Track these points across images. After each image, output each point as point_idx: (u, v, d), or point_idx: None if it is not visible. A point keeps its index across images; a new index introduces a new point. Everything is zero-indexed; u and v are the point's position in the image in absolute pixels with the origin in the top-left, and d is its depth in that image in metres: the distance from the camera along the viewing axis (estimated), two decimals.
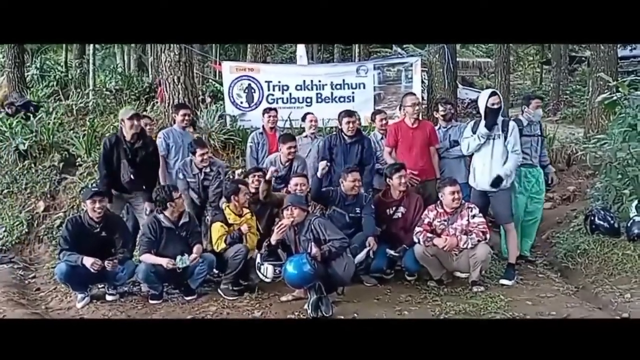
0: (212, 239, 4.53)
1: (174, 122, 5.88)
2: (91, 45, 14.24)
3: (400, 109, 5.38)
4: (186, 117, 5.71)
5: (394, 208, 4.80)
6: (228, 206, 4.65)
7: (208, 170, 5.04)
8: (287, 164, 5.30)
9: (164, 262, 4.22)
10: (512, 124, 4.68)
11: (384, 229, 4.77)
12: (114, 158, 4.73)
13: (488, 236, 4.40)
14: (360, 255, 4.39)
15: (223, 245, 4.45)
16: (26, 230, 6.19)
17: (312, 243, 4.07)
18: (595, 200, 5.59)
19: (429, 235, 4.41)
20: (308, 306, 3.98)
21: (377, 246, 4.51)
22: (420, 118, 5.42)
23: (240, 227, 4.53)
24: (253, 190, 4.86)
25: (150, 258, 4.27)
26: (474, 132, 4.68)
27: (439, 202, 4.56)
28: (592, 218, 5.06)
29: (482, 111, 4.66)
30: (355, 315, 3.94)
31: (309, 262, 3.92)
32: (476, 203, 4.61)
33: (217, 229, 4.52)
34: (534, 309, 3.96)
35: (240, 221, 4.60)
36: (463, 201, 4.53)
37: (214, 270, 4.61)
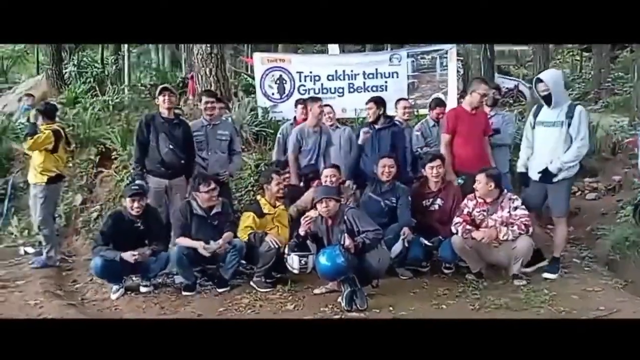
0: (240, 226, 4.49)
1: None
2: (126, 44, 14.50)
3: (468, 93, 4.95)
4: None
5: (430, 199, 4.67)
6: (263, 196, 4.60)
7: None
8: (315, 129, 5.21)
9: (199, 245, 4.23)
10: (579, 109, 4.24)
11: (420, 220, 4.63)
12: (150, 136, 4.75)
13: (531, 229, 4.18)
14: (397, 246, 4.29)
15: (245, 238, 4.40)
16: (64, 223, 6.29)
17: (346, 234, 3.97)
18: None
19: (468, 227, 4.25)
20: (342, 299, 3.90)
21: (412, 236, 4.39)
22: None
23: (266, 231, 4.45)
24: (278, 192, 4.73)
25: (185, 241, 4.31)
26: (535, 117, 4.39)
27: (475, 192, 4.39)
28: None
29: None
30: (391, 309, 3.83)
31: (342, 254, 3.82)
32: (533, 193, 4.37)
33: (246, 218, 4.50)
34: (580, 303, 3.77)
35: (274, 212, 4.54)
36: (505, 191, 4.35)
37: (244, 262, 4.57)
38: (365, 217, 4.15)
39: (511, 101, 15.16)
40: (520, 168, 4.54)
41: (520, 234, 4.13)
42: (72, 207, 6.43)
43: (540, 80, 4.30)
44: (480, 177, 4.28)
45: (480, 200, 4.33)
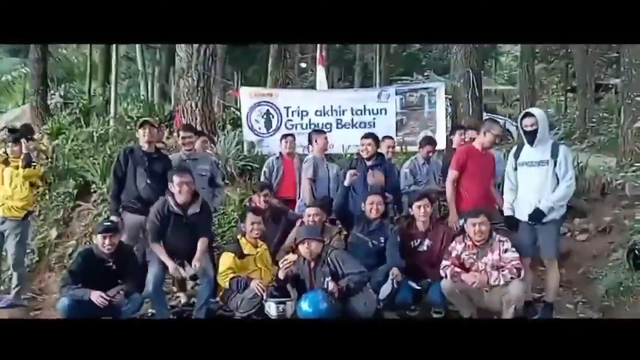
0: (220, 268, 4.24)
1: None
2: (114, 73, 14.44)
3: (481, 133, 4.87)
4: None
5: (419, 240, 4.51)
6: (243, 235, 4.40)
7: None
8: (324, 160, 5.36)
9: (170, 265, 4.11)
10: (563, 148, 4.18)
11: (408, 261, 4.45)
12: (128, 169, 4.61)
13: (522, 273, 4.03)
14: (385, 288, 4.11)
15: (227, 285, 4.16)
16: (37, 258, 6.04)
17: (329, 278, 3.79)
18: (637, 232, 5.19)
19: (457, 270, 4.08)
20: None
21: (401, 277, 4.22)
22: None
23: (249, 275, 4.20)
24: (263, 207, 4.71)
25: (159, 250, 4.18)
26: (516, 158, 4.30)
27: (466, 233, 4.24)
28: (635, 252, 4.69)
29: (522, 135, 4.28)
30: None
31: (325, 299, 3.63)
32: (522, 236, 4.24)
33: (227, 260, 4.23)
34: None
35: (256, 252, 4.34)
36: (494, 234, 4.21)
37: (224, 305, 4.36)
38: (349, 259, 3.99)
39: (498, 140, 15.30)
40: (506, 212, 4.39)
41: (512, 278, 3.97)
42: (46, 241, 6.19)
43: (530, 115, 4.19)
44: (469, 222, 4.15)
45: (469, 243, 4.18)
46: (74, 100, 15.60)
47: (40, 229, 6.36)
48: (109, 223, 4.26)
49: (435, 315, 4.40)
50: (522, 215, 4.24)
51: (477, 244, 4.14)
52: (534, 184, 4.16)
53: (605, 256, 5.60)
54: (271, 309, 3.90)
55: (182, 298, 4.82)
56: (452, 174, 4.76)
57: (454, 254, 4.20)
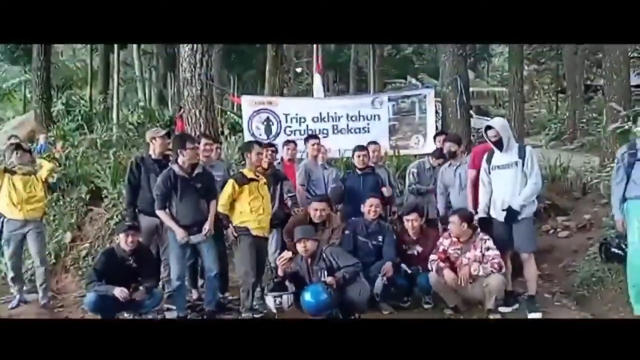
0: (222, 196, 4.63)
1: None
2: (115, 80, 14.77)
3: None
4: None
5: (409, 246, 4.97)
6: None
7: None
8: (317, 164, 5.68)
9: (178, 232, 4.42)
10: (528, 149, 4.57)
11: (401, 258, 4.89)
12: (141, 177, 4.91)
13: (504, 270, 4.44)
14: (378, 283, 4.51)
15: (227, 209, 4.59)
16: (54, 261, 6.38)
17: (325, 272, 4.20)
18: (610, 228, 5.62)
19: (442, 264, 4.50)
20: None
21: (392, 273, 4.62)
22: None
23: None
24: (265, 165, 5.07)
25: (164, 217, 4.49)
26: (489, 163, 4.66)
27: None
28: (608, 246, 5.08)
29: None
30: None
31: (325, 291, 4.04)
32: (498, 234, 4.57)
33: (227, 187, 4.63)
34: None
35: (259, 179, 4.71)
36: (478, 231, 4.62)
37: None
38: (343, 254, 4.41)
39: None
40: (480, 213, 4.72)
41: (492, 271, 4.37)
42: (61, 244, 6.55)
43: (490, 128, 4.58)
44: (454, 218, 4.56)
45: (454, 239, 4.60)
46: (75, 107, 15.93)
47: (55, 233, 6.70)
48: (129, 223, 4.66)
49: (426, 306, 4.82)
50: (498, 214, 4.59)
51: (462, 240, 4.54)
52: (506, 184, 4.51)
53: (584, 251, 6.02)
54: (269, 302, 4.31)
55: (194, 294, 5.20)
56: (470, 173, 5.06)
57: (441, 248, 4.62)
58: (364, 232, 4.89)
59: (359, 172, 5.41)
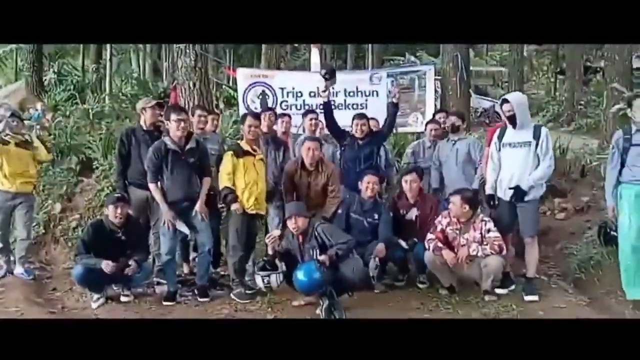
0: (222, 171, 4.54)
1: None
2: (108, 50, 14.47)
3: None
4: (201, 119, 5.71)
5: (407, 210, 4.83)
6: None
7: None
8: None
9: (165, 213, 4.30)
10: (544, 130, 4.40)
11: (398, 228, 4.78)
12: (132, 148, 4.79)
13: (504, 252, 4.35)
14: (371, 265, 4.42)
15: (227, 183, 4.47)
16: (43, 231, 6.28)
17: (318, 250, 4.11)
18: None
19: (439, 244, 4.41)
20: (321, 311, 4.01)
21: (384, 254, 4.53)
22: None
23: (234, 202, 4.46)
24: (265, 129, 5.01)
25: (155, 192, 4.36)
26: (500, 140, 4.52)
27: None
28: (606, 229, 5.03)
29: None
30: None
31: (317, 269, 3.95)
32: (503, 214, 4.48)
33: (226, 160, 4.54)
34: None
35: (255, 155, 4.61)
36: (479, 212, 4.52)
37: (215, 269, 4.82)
38: (335, 230, 4.30)
39: (487, 121, 15.58)
40: (488, 190, 4.61)
41: (491, 253, 4.29)
42: (50, 215, 6.43)
43: (506, 101, 4.43)
44: (455, 199, 4.45)
45: (453, 219, 4.50)
46: (68, 77, 15.66)
47: (45, 203, 6.57)
48: (118, 194, 4.53)
49: (420, 286, 4.74)
50: (504, 193, 4.48)
51: (462, 220, 4.44)
52: (517, 163, 4.36)
53: (581, 233, 5.97)
54: (258, 281, 4.27)
55: (185, 268, 5.11)
56: (486, 150, 5.03)
57: (439, 227, 4.52)
58: (360, 209, 4.78)
59: (359, 142, 5.20)
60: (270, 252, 4.26)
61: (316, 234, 4.20)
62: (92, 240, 4.36)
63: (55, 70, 15.52)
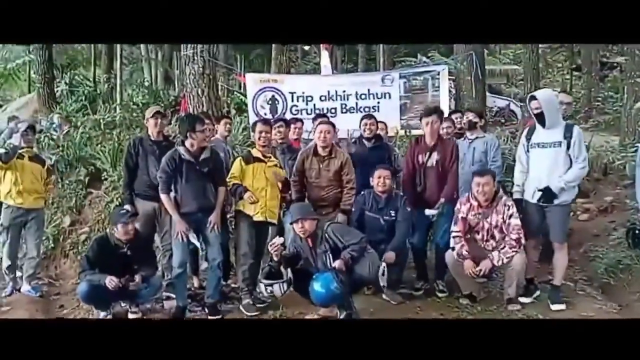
0: (230, 172, 4.48)
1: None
2: (119, 60, 14.46)
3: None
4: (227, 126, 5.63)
5: (427, 154, 4.56)
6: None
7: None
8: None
9: (178, 224, 4.14)
10: (576, 129, 4.12)
11: (420, 188, 4.57)
12: (139, 158, 4.68)
13: (523, 242, 4.09)
14: (380, 272, 4.14)
15: (234, 184, 4.39)
16: (52, 245, 6.19)
17: (330, 255, 3.90)
18: (636, 211, 5.30)
19: (465, 251, 4.15)
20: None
21: (392, 260, 4.28)
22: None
23: (246, 187, 4.36)
24: (279, 141, 4.94)
25: (167, 202, 4.21)
26: (528, 140, 4.27)
27: (470, 193, 4.31)
28: (634, 231, 4.79)
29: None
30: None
31: (336, 280, 3.75)
32: (531, 219, 4.21)
33: (235, 164, 4.49)
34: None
35: (266, 161, 4.48)
36: (501, 193, 4.26)
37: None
38: (346, 229, 4.10)
39: (502, 120, 15.29)
40: (516, 195, 4.36)
41: (514, 252, 4.05)
42: (60, 229, 6.34)
43: (534, 98, 4.19)
44: (483, 179, 4.17)
45: (474, 204, 4.24)
46: (79, 87, 15.67)
47: (54, 217, 6.49)
48: (124, 212, 4.38)
49: (440, 295, 4.51)
50: (532, 196, 4.21)
51: (482, 204, 4.19)
52: (546, 164, 4.10)
53: (605, 235, 5.72)
54: (262, 290, 4.09)
55: (195, 282, 4.96)
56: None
57: (460, 216, 4.25)
58: (375, 207, 4.55)
59: (368, 143, 5.05)
60: (275, 258, 4.04)
61: (327, 236, 3.98)
62: (96, 256, 4.22)
63: (67, 82, 15.54)
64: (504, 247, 4.10)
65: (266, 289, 4.02)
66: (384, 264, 4.11)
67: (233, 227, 4.88)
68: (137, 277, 4.17)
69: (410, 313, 4.19)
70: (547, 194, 4.10)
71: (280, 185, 4.55)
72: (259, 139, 4.51)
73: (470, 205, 4.25)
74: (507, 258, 4.08)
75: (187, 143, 4.24)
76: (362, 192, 4.70)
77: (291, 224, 4.13)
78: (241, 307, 4.33)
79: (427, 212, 4.41)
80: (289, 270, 4.08)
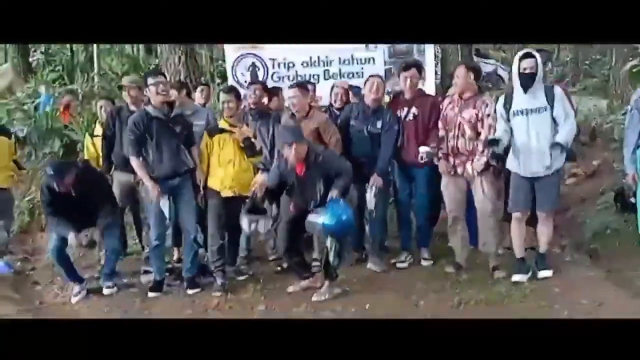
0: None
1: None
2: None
3: None
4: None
5: (405, 109, 4.39)
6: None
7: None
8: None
9: (150, 187, 3.92)
10: (557, 90, 3.88)
11: (399, 142, 4.37)
12: (116, 129, 4.48)
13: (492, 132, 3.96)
14: (370, 198, 4.10)
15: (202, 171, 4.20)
16: (28, 219, 6.01)
17: (322, 183, 3.76)
18: (624, 175, 5.18)
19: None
20: (331, 256, 3.74)
21: (381, 183, 4.18)
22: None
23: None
24: (253, 105, 4.52)
25: (138, 166, 3.97)
26: (507, 109, 3.93)
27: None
28: (623, 195, 4.70)
29: (514, 80, 3.91)
30: (367, 306, 3.69)
31: (344, 207, 3.62)
32: (521, 191, 3.96)
33: (202, 140, 4.25)
34: (562, 296, 3.63)
35: (234, 131, 4.21)
36: (483, 97, 4.21)
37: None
38: (335, 157, 3.94)
39: (489, 85, 15.11)
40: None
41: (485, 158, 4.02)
42: (35, 202, 6.14)
43: (530, 56, 3.82)
44: (460, 71, 4.08)
45: (455, 98, 4.18)
46: (56, 57, 15.19)
47: (29, 190, 6.30)
48: (51, 172, 3.93)
49: (424, 263, 4.44)
50: (527, 169, 3.92)
51: (464, 97, 4.12)
52: (536, 131, 3.81)
53: (593, 200, 5.63)
54: (244, 223, 3.89)
55: (175, 254, 4.77)
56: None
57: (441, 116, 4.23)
58: (360, 117, 4.32)
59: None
60: (259, 194, 3.85)
61: (318, 164, 3.76)
62: (49, 200, 4.00)
63: (43, 51, 15.04)
64: (481, 159, 4.04)
65: (250, 225, 3.85)
66: (374, 184, 4.10)
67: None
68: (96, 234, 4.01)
69: (395, 283, 4.10)
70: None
71: (242, 145, 4.22)
72: (223, 108, 4.29)
73: (451, 99, 4.23)
74: (480, 166, 4.03)
75: (152, 99, 3.98)
76: (351, 103, 4.58)
77: (282, 147, 3.86)
78: (213, 293, 4.09)
79: (422, 149, 4.20)
80: (273, 206, 3.95)
